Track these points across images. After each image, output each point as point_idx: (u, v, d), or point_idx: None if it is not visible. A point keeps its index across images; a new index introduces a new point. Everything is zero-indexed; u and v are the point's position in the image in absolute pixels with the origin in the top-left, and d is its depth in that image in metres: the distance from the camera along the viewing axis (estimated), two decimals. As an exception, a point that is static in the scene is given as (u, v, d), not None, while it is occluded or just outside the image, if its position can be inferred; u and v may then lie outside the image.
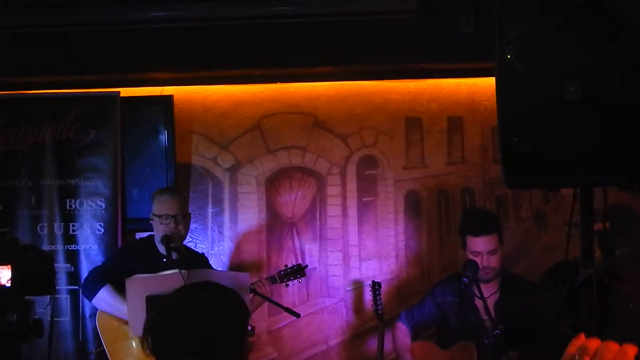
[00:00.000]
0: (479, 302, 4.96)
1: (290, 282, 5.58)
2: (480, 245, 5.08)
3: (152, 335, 2.71)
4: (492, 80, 2.91)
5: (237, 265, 6.46)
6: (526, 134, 2.81)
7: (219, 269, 6.12)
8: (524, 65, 2.84)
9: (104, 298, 5.15)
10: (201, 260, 5.53)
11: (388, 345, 5.58)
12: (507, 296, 5.11)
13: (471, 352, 4.96)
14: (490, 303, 4.92)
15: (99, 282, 5.19)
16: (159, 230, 5.27)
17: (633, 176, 2.84)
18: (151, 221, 5.32)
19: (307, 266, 5.71)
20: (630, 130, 2.77)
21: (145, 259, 5.30)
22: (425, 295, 5.50)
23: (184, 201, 5.42)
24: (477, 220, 5.41)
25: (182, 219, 5.30)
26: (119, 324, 5.11)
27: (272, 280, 5.45)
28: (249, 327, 4.71)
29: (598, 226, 4.74)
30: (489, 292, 5.00)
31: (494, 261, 5.07)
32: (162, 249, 5.28)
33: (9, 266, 3.83)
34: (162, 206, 5.27)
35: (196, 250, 5.84)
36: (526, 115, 2.81)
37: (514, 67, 2.84)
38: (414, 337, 5.48)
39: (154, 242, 5.37)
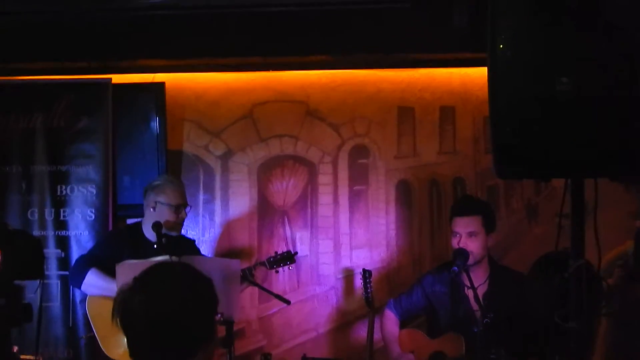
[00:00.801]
0: (469, 292, 4.96)
1: (280, 269, 5.59)
2: (459, 226, 5.09)
3: (120, 315, 2.72)
4: (484, 70, 2.92)
5: (227, 252, 6.46)
6: (518, 124, 2.82)
7: (209, 256, 6.14)
8: (516, 56, 2.85)
9: (92, 281, 5.15)
10: (190, 246, 5.54)
11: (378, 333, 5.59)
12: (496, 287, 5.11)
13: (459, 344, 4.96)
14: (479, 293, 4.92)
15: (86, 267, 5.20)
16: (161, 218, 5.28)
17: (624, 167, 2.85)
18: (151, 208, 5.33)
19: (296, 253, 5.72)
20: (621, 122, 2.78)
21: (132, 245, 5.31)
22: (414, 284, 5.48)
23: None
24: (461, 201, 5.47)
25: (184, 207, 5.40)
26: (110, 309, 5.09)
27: (263, 266, 5.48)
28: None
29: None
30: (477, 282, 4.99)
31: (472, 245, 5.04)
32: (150, 235, 5.28)
33: (-1, 251, 3.83)
34: (174, 195, 5.32)
35: (186, 235, 5.84)
36: (518, 105, 2.82)
37: (506, 57, 2.85)
38: (402, 325, 5.48)
39: (141, 229, 5.37)
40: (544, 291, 3.69)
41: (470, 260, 5.01)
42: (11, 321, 3.94)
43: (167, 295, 2.65)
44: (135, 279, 2.74)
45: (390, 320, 5.45)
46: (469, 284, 4.89)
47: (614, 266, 4.47)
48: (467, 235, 5.05)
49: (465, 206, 5.25)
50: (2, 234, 3.97)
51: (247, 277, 5.33)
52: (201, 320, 2.67)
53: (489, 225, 5.14)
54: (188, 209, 5.47)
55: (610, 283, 4.18)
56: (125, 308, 2.74)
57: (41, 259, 4.24)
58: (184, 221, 5.45)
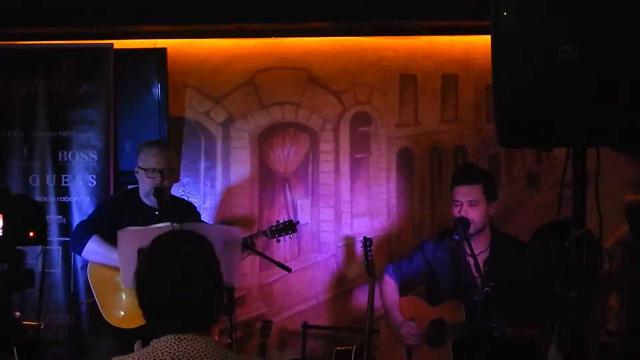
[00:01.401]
0: (470, 260, 4.97)
1: (281, 238, 5.59)
2: (460, 194, 5.09)
3: (139, 288, 2.77)
4: (487, 38, 2.90)
5: (228, 219, 6.47)
6: (520, 92, 2.81)
7: (210, 223, 6.14)
8: (520, 24, 2.83)
9: (93, 249, 5.14)
10: (190, 208, 5.53)
11: (378, 301, 5.60)
12: (497, 254, 5.12)
13: (459, 311, 4.98)
14: (480, 261, 4.93)
15: (87, 234, 5.18)
16: (144, 183, 5.25)
17: (626, 137, 2.84)
18: (136, 174, 5.30)
19: (298, 222, 5.72)
20: (623, 90, 2.77)
21: (131, 210, 5.29)
22: (414, 250, 5.48)
23: (171, 155, 5.38)
24: (462, 169, 5.47)
25: (169, 173, 5.27)
26: (111, 275, 5.11)
27: (264, 234, 5.48)
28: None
29: (630, 197, 4.78)
30: (479, 249, 5.00)
31: (473, 213, 5.05)
32: (147, 201, 5.27)
33: (1, 216, 3.83)
34: (149, 160, 5.23)
35: (183, 197, 5.82)
36: (521, 73, 2.81)
37: (509, 25, 2.83)
38: (402, 292, 5.49)
39: (138, 193, 5.35)
40: (544, 259, 3.69)
41: (472, 229, 5.01)
42: (13, 286, 3.95)
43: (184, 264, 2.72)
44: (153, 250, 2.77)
45: (390, 286, 5.45)
46: (470, 252, 4.90)
47: (616, 250, 4.46)
48: (468, 203, 5.06)
49: (466, 175, 5.24)
50: (5, 198, 3.97)
51: (248, 245, 5.33)
52: (213, 286, 2.74)
53: (490, 194, 5.14)
54: (175, 173, 5.36)
55: (616, 265, 4.19)
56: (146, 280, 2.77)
57: (44, 224, 4.24)
58: (169, 186, 5.31)
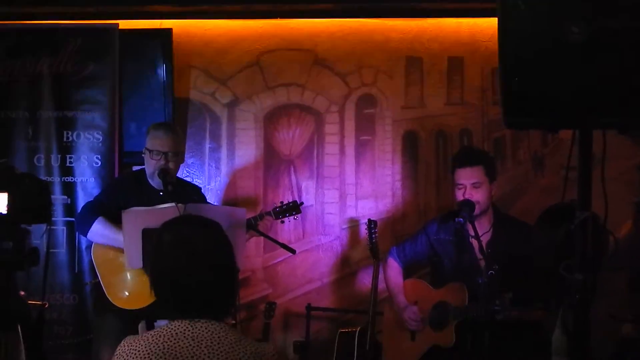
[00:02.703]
0: (474, 242, 4.96)
1: (285, 219, 5.58)
2: (462, 177, 5.08)
3: (152, 274, 2.80)
4: (493, 20, 2.90)
5: (233, 200, 6.47)
6: (527, 74, 2.80)
7: (215, 204, 6.14)
8: (527, 5, 2.82)
9: (99, 230, 5.14)
10: (195, 191, 5.52)
11: (382, 283, 5.61)
12: (500, 236, 5.12)
13: (463, 293, 4.98)
14: (483, 241, 4.92)
15: (92, 215, 5.17)
16: (149, 165, 5.25)
17: (632, 119, 2.84)
18: (143, 155, 5.30)
19: (302, 203, 5.69)
20: (630, 73, 2.76)
21: (137, 191, 5.28)
22: (418, 232, 5.49)
23: (177, 139, 5.35)
24: (463, 152, 5.46)
25: (174, 157, 5.24)
26: (115, 256, 5.11)
27: (268, 216, 5.45)
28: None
29: None
30: (482, 230, 4.99)
31: (477, 195, 5.04)
32: (153, 182, 5.27)
33: (6, 194, 3.83)
34: (154, 141, 5.23)
35: (188, 180, 5.82)
36: (527, 55, 2.80)
37: (516, 6, 2.82)
38: (406, 275, 5.50)
39: (145, 175, 5.35)
40: (549, 242, 3.69)
41: (477, 210, 5.01)
42: (17, 265, 3.95)
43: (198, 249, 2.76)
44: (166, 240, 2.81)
45: (394, 269, 5.45)
46: (473, 234, 4.89)
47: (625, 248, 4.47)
48: (471, 186, 5.05)
49: (466, 157, 5.23)
50: (9, 176, 3.96)
51: (252, 226, 5.33)
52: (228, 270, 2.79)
53: (491, 174, 5.14)
54: (180, 157, 5.37)
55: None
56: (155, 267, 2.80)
57: (49, 202, 4.24)
58: (174, 170, 5.29)
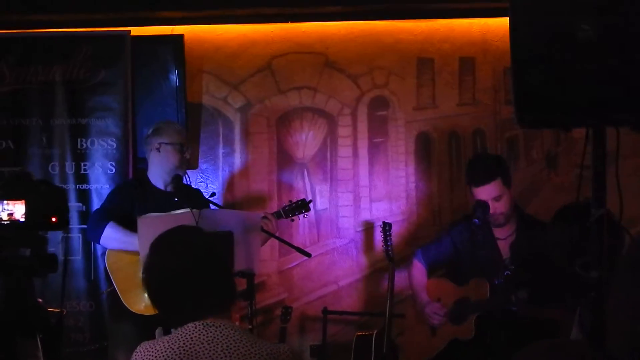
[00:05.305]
0: (496, 242, 5.00)
1: (295, 218, 5.56)
2: (482, 194, 5.08)
3: (146, 278, 2.86)
4: (504, 20, 2.90)
5: (247, 205, 6.47)
6: (539, 72, 2.80)
7: (230, 209, 6.14)
8: (538, 4, 2.82)
9: (111, 234, 5.15)
10: (198, 196, 5.53)
11: (398, 285, 5.62)
12: (522, 237, 5.13)
13: (484, 289, 5.00)
14: (507, 244, 4.94)
15: (103, 221, 5.19)
16: (169, 159, 5.28)
17: (646, 116, 2.83)
18: (155, 150, 5.32)
19: (311, 200, 5.66)
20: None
21: (141, 194, 5.30)
22: (443, 235, 5.56)
23: None
24: (477, 170, 5.29)
25: (188, 148, 5.43)
26: (129, 262, 5.12)
27: (277, 215, 5.38)
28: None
29: None
30: (506, 234, 5.03)
31: (501, 207, 5.06)
32: (157, 182, 5.30)
33: (23, 201, 3.83)
34: (173, 135, 5.31)
35: (193, 186, 5.84)
36: (539, 53, 2.80)
37: (527, 4, 2.82)
38: (429, 275, 5.51)
39: (147, 176, 5.37)
40: (565, 240, 3.68)
41: (502, 219, 5.05)
42: (35, 271, 3.96)
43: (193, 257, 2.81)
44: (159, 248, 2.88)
45: (419, 270, 5.50)
46: (491, 235, 4.91)
47: None
48: (493, 200, 5.05)
49: (483, 175, 5.11)
50: (27, 184, 3.97)
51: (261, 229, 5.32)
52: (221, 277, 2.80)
53: (508, 181, 5.15)
54: (202, 161, 5.45)
55: None
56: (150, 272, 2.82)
57: (65, 209, 4.24)
58: (188, 162, 5.45)
